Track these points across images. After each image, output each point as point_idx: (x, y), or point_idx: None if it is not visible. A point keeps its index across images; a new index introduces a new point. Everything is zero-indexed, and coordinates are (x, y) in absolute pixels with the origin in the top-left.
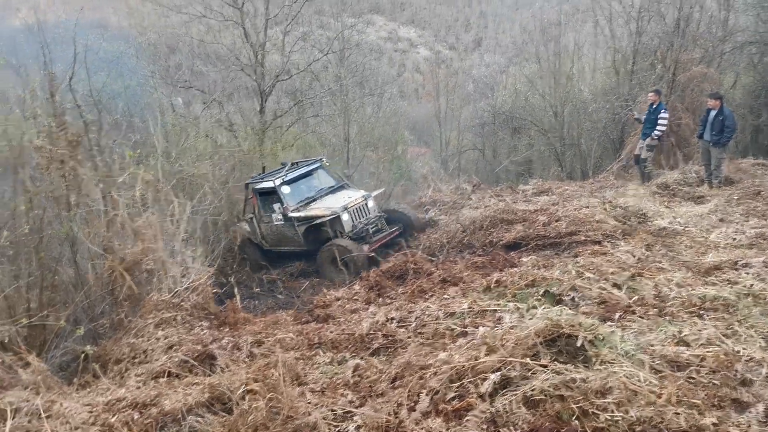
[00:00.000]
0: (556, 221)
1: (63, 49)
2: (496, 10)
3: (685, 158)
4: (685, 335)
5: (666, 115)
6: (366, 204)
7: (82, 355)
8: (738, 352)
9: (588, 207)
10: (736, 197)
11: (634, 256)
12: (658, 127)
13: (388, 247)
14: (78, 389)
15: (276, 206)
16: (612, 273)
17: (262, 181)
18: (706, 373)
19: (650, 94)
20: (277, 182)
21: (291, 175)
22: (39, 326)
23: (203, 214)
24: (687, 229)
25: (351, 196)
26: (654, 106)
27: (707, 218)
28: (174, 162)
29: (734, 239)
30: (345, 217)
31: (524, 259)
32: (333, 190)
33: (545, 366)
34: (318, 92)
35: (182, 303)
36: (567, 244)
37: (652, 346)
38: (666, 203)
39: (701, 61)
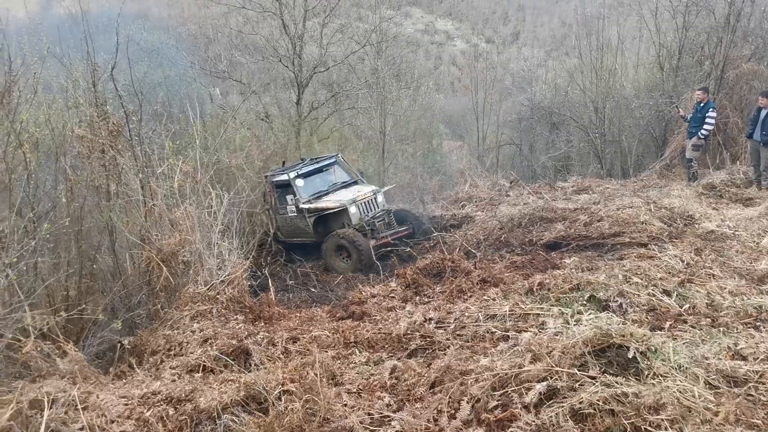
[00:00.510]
0: (598, 221)
1: (105, 38)
2: (534, 3)
3: (732, 158)
4: (741, 348)
5: (714, 114)
6: (375, 198)
7: (119, 345)
8: None
9: (632, 207)
10: None
11: (683, 261)
12: (705, 126)
13: (396, 246)
14: (114, 379)
15: (289, 198)
16: (661, 279)
17: (278, 174)
18: (766, 391)
19: (698, 92)
20: (292, 175)
21: (305, 169)
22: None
23: (240, 206)
24: (737, 233)
25: (361, 191)
26: (702, 105)
27: (757, 222)
28: (212, 153)
29: None
30: (353, 209)
31: (567, 261)
32: (346, 185)
33: (594, 378)
34: (354, 84)
35: (218, 296)
36: (610, 246)
37: (706, 359)
38: (713, 205)
39: (751, 57)
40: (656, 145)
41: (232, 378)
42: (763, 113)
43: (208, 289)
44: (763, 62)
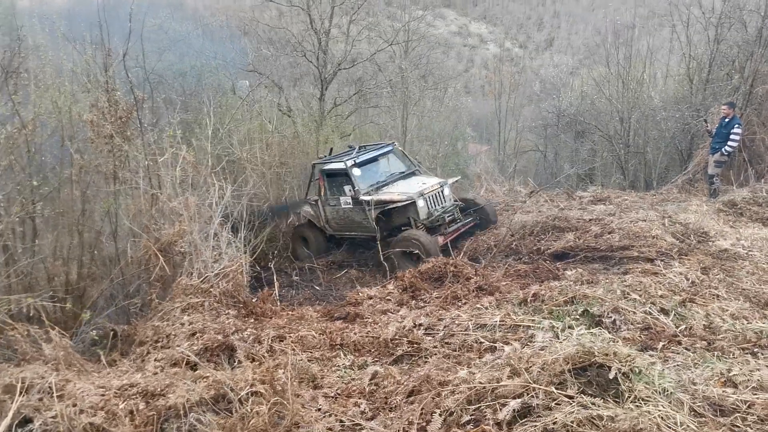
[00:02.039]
0: (609, 233)
1: (134, 26)
2: (570, 10)
3: (757, 176)
4: (734, 375)
5: (739, 131)
6: (442, 191)
7: (111, 332)
8: None
9: (645, 220)
10: None
11: (688, 279)
12: (729, 143)
13: (461, 239)
14: (104, 367)
15: (347, 188)
16: (661, 296)
17: (330, 162)
18: (754, 422)
19: (723, 107)
20: (349, 163)
21: (362, 157)
22: (76, 299)
23: (249, 198)
24: (751, 253)
25: (426, 182)
26: (727, 120)
27: None
28: (219, 143)
29: None
30: (421, 203)
31: (568, 272)
32: (405, 176)
33: (571, 397)
34: (379, 83)
35: (211, 289)
36: (618, 259)
37: (694, 384)
38: (731, 223)
39: None
40: (681, 159)
41: (208, 374)
42: None
43: (201, 281)
44: None
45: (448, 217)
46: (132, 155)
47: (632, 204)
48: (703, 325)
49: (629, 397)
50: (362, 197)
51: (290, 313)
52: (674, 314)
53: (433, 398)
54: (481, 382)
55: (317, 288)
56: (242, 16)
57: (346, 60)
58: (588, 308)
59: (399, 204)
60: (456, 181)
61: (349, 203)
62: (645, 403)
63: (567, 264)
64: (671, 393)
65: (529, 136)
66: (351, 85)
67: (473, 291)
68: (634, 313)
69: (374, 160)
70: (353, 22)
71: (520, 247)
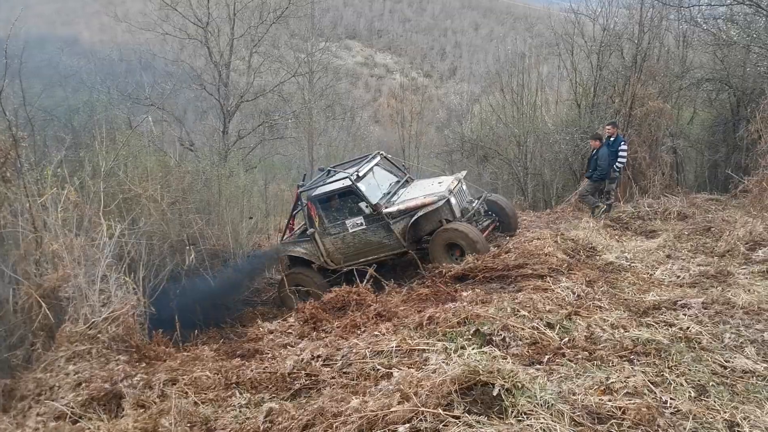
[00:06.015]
0: (506, 253)
1: (15, 62)
2: (470, 41)
3: (641, 191)
4: (612, 382)
5: (626, 147)
6: (462, 187)
7: None
8: (665, 402)
9: (539, 239)
10: (686, 233)
11: (574, 293)
12: (619, 159)
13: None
14: None
15: (363, 206)
16: (549, 311)
17: (323, 185)
18: (628, 427)
19: (607, 127)
20: (353, 178)
21: (362, 171)
22: None
23: (148, 237)
24: (633, 264)
25: (441, 181)
26: (612, 139)
27: (655, 254)
28: (108, 179)
29: (678, 276)
30: (454, 200)
31: (464, 294)
32: (403, 184)
33: (458, 417)
34: (282, 115)
35: (99, 335)
36: (513, 278)
37: (574, 394)
38: (617, 237)
39: (658, 96)
40: (575, 179)
41: (89, 426)
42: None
43: (88, 327)
44: (669, 101)
45: (482, 208)
46: (12, 197)
47: (530, 223)
48: (585, 336)
49: (512, 412)
50: (385, 211)
51: (185, 354)
52: (559, 328)
53: (326, 430)
54: (372, 410)
55: (222, 326)
56: (139, 50)
57: (249, 92)
58: (479, 327)
59: (431, 208)
60: (465, 173)
61: (361, 224)
62: (527, 417)
63: (466, 285)
64: (552, 405)
65: (437, 162)
66: (257, 118)
67: (372, 318)
68: (523, 329)
69: (370, 171)
70: (256, 53)
71: (424, 270)
